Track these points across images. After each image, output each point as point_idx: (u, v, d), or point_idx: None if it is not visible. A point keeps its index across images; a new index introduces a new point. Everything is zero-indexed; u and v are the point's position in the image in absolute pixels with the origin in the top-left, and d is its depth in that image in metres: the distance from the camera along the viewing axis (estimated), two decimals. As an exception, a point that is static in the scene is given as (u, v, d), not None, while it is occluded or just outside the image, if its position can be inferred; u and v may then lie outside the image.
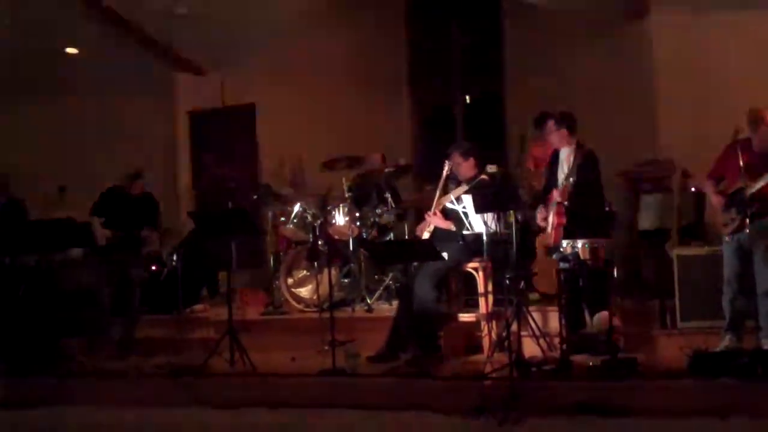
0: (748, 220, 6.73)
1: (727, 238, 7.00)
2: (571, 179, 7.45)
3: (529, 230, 8.62)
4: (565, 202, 7.53)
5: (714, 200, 7.16)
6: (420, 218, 8.62)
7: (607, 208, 8.40)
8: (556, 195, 7.64)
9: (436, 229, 8.01)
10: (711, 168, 7.29)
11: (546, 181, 8.06)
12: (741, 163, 6.81)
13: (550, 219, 7.70)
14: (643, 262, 8.86)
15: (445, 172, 8.07)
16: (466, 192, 7.79)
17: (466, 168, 8.01)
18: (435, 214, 7.96)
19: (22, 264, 9.13)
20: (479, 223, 7.71)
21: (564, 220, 7.58)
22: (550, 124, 7.90)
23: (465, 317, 8.03)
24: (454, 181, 8.20)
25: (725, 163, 7.11)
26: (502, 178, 8.64)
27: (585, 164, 7.56)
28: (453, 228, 7.82)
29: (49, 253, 8.91)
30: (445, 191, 8.16)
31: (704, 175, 7.38)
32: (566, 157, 7.79)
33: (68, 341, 8.76)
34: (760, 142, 6.85)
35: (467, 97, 12.50)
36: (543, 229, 7.93)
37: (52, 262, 9.03)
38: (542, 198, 7.98)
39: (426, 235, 7.99)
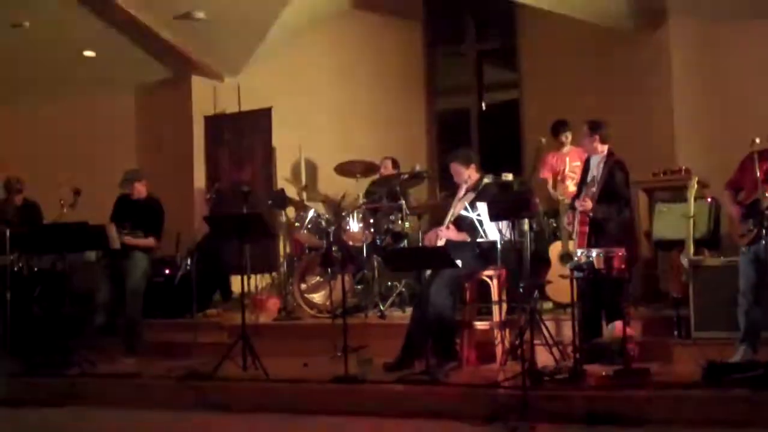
0: (764, 231, 6.69)
1: (743, 249, 6.96)
2: (593, 189, 7.41)
3: (543, 238, 8.59)
4: (581, 208, 7.51)
5: (731, 211, 7.12)
6: (434, 224, 8.56)
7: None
8: (579, 201, 7.61)
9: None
10: (729, 179, 7.26)
11: (578, 187, 8.03)
12: (758, 174, 6.78)
13: (575, 226, 7.68)
14: (658, 271, 8.81)
15: (463, 197, 7.96)
16: (475, 198, 7.75)
17: (470, 174, 7.96)
18: (448, 228, 7.92)
19: (38, 266, 9.19)
20: (494, 231, 7.68)
21: (586, 228, 7.56)
22: (584, 130, 7.87)
23: (479, 325, 8.01)
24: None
25: (743, 173, 7.07)
26: (518, 186, 8.64)
27: (611, 174, 7.53)
28: (467, 239, 7.78)
29: (64, 256, 8.94)
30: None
31: (721, 185, 7.35)
32: (596, 164, 7.78)
33: (80, 342, 8.77)
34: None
35: (483, 104, 12.51)
36: (570, 235, 7.92)
37: (67, 265, 9.05)
38: (572, 203, 7.96)
39: (440, 242, 7.97)
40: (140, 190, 9.11)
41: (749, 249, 6.90)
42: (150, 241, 8.92)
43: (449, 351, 7.62)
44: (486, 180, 8.01)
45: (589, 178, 7.79)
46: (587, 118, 7.99)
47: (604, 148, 7.80)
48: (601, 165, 7.71)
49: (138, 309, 8.93)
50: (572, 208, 7.88)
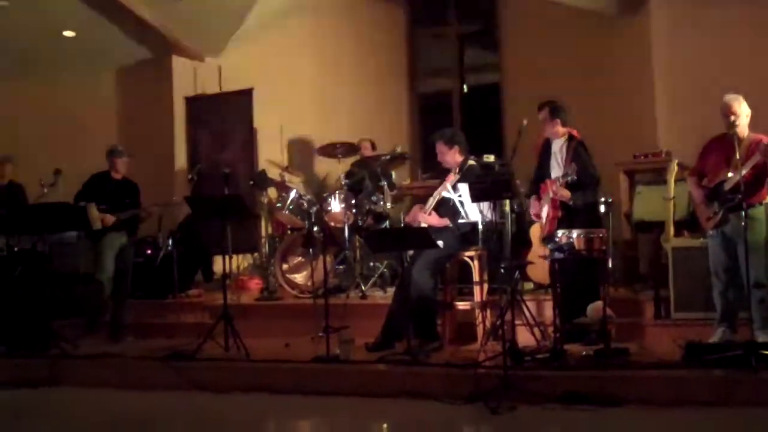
0: (730, 213, 6.76)
1: (711, 232, 7.02)
2: (570, 177, 7.42)
3: (525, 219, 8.62)
4: (565, 200, 7.52)
5: (695, 196, 7.18)
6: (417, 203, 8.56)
7: (604, 199, 8.42)
8: (551, 188, 7.62)
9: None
10: (693, 166, 7.33)
11: (537, 171, 8.04)
12: (721, 157, 6.87)
13: (545, 211, 7.70)
14: (638, 253, 8.87)
15: (448, 183, 7.97)
16: (458, 181, 7.77)
17: (452, 155, 7.97)
18: (430, 214, 7.94)
19: (19, 245, 9.15)
20: (475, 212, 7.70)
21: (559, 213, 7.59)
22: (544, 113, 7.87)
23: (460, 305, 8.04)
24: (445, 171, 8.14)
25: (705, 159, 7.15)
26: (499, 168, 8.64)
27: (577, 158, 7.54)
28: (449, 224, 7.81)
29: (45, 236, 8.91)
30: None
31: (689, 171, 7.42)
32: (559, 148, 7.79)
33: (61, 323, 8.76)
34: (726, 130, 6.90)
35: (465, 87, 12.51)
36: (537, 219, 7.94)
37: (48, 245, 9.02)
38: (534, 188, 7.97)
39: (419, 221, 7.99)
40: (122, 167, 9.08)
41: (716, 231, 6.96)
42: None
43: (431, 331, 7.66)
44: (470, 162, 8.01)
45: (552, 163, 7.81)
46: (542, 101, 7.99)
47: (564, 131, 7.82)
48: (564, 148, 7.73)
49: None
50: (534, 193, 7.90)
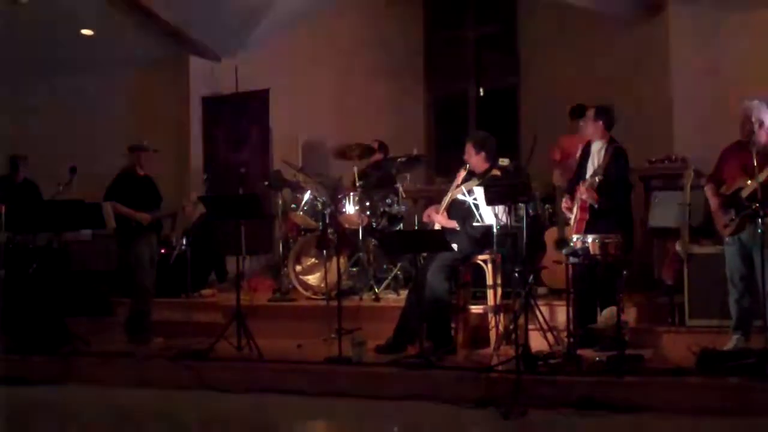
0: (748, 220, 6.72)
1: (728, 239, 6.98)
2: (597, 177, 7.38)
3: (539, 224, 8.59)
4: (589, 200, 7.47)
5: (713, 203, 7.13)
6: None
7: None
8: (582, 189, 7.57)
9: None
10: (710, 172, 7.28)
11: (576, 172, 8.01)
12: (738, 164, 6.83)
13: (575, 212, 7.66)
14: (653, 259, 8.83)
15: (460, 178, 7.97)
16: (477, 185, 7.76)
17: (477, 161, 7.93)
18: (442, 214, 7.92)
19: (34, 243, 9.17)
20: (489, 216, 7.67)
21: (587, 216, 7.54)
22: (590, 113, 7.83)
23: (473, 309, 8.03)
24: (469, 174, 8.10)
25: (723, 165, 7.11)
26: (514, 171, 8.62)
27: (613, 162, 7.49)
28: (457, 227, 7.78)
29: (60, 234, 8.92)
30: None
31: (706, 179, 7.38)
32: (597, 151, 7.74)
33: (75, 321, 8.77)
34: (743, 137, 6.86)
35: (481, 90, 12.48)
36: (567, 220, 7.91)
37: (63, 243, 9.04)
38: (569, 188, 7.93)
39: (437, 226, 7.98)
40: (146, 163, 8.95)
41: (733, 239, 6.92)
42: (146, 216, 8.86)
43: (445, 335, 7.64)
44: (494, 171, 7.96)
45: (589, 165, 7.77)
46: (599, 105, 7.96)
47: (606, 135, 7.78)
48: (602, 152, 7.68)
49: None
50: (569, 192, 7.87)
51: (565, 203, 7.84)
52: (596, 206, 7.47)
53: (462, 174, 7.86)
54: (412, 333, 7.53)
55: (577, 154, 8.11)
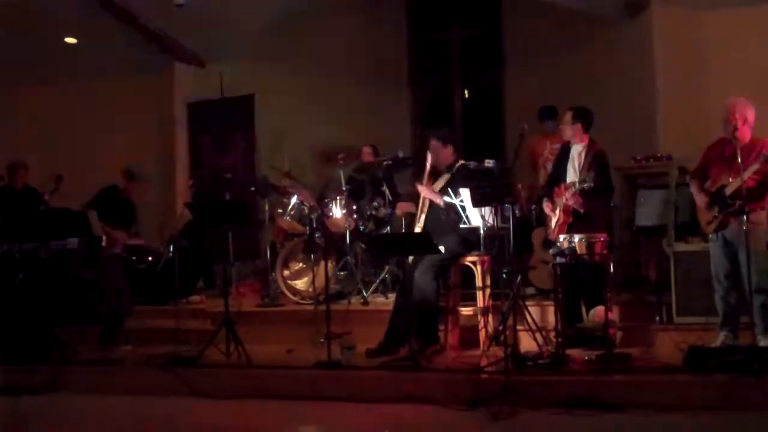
0: (731, 218, 6.75)
1: (712, 236, 7.01)
2: (586, 185, 7.28)
3: (526, 224, 8.60)
4: (575, 206, 7.47)
5: (697, 200, 7.15)
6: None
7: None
8: (565, 194, 7.56)
9: (431, 222, 7.96)
10: (694, 168, 7.31)
11: (552, 174, 8.02)
12: (722, 161, 6.87)
13: (557, 214, 7.66)
14: (640, 257, 8.85)
15: (428, 163, 8.06)
16: (450, 180, 7.78)
17: (445, 155, 7.99)
18: (425, 185, 7.95)
19: (22, 252, 9.13)
20: (476, 217, 7.69)
21: (570, 219, 7.55)
22: (567, 116, 7.83)
23: (462, 311, 8.04)
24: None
25: (707, 161, 7.14)
26: (500, 173, 8.63)
27: (598, 168, 7.47)
28: (439, 201, 7.78)
29: (47, 242, 8.88)
30: (435, 178, 8.14)
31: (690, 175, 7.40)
32: (578, 154, 7.74)
33: (63, 330, 8.74)
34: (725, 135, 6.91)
35: (466, 92, 12.50)
36: (547, 221, 7.92)
37: (50, 251, 9.00)
38: (548, 191, 7.94)
39: (419, 226, 8.00)
40: (137, 193, 9.02)
41: (717, 235, 6.95)
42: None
43: (432, 334, 7.67)
44: (461, 162, 8.00)
45: (569, 168, 7.78)
46: (571, 105, 7.98)
47: (585, 138, 7.78)
48: (583, 154, 7.69)
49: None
50: (548, 196, 7.87)
51: (546, 205, 7.85)
52: (581, 211, 7.48)
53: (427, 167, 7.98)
54: (402, 335, 7.54)
55: (546, 153, 8.11)
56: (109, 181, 9.00)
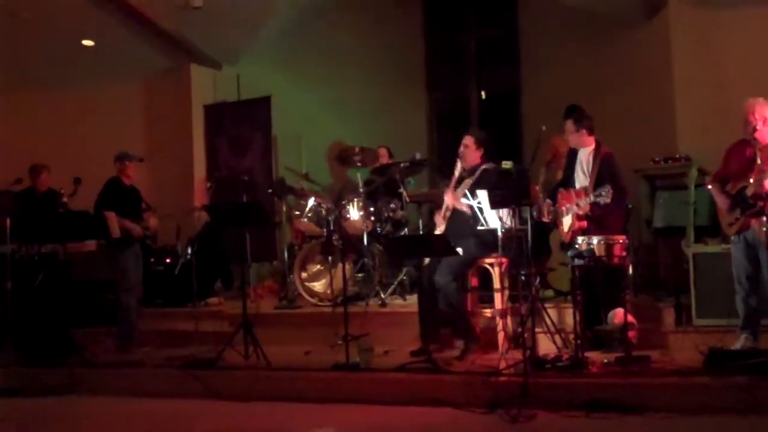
0: (752, 220, 6.71)
1: (733, 238, 6.96)
2: (600, 199, 7.07)
3: (545, 226, 8.58)
4: (589, 213, 7.43)
5: (719, 202, 7.11)
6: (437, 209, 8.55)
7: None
8: (577, 201, 7.49)
9: (450, 225, 7.96)
10: (715, 171, 7.27)
11: (562, 179, 7.99)
12: (742, 162, 6.82)
13: (567, 221, 7.61)
14: (659, 259, 8.82)
15: (457, 170, 8.03)
16: (474, 184, 7.76)
17: (474, 156, 7.97)
18: (452, 194, 7.93)
19: (41, 254, 9.19)
20: (494, 219, 7.67)
21: (585, 224, 7.49)
22: (569, 125, 7.79)
23: (480, 313, 8.04)
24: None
25: (727, 164, 7.09)
26: (517, 175, 8.61)
27: (609, 175, 7.43)
28: (466, 209, 7.76)
29: (65, 244, 8.93)
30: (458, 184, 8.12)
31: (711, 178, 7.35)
32: (586, 158, 7.70)
33: (81, 331, 8.78)
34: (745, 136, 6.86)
35: (483, 93, 12.47)
36: (559, 222, 7.88)
37: (68, 254, 9.05)
38: (552, 193, 7.90)
39: (441, 228, 7.98)
40: (133, 172, 9.07)
41: (739, 237, 6.90)
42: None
43: (470, 332, 7.69)
44: (485, 166, 7.98)
45: (578, 172, 7.74)
46: (566, 110, 7.94)
47: (591, 140, 7.75)
48: (591, 158, 7.65)
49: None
50: (551, 197, 7.84)
51: (546, 206, 7.81)
52: (589, 214, 7.44)
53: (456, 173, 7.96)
54: (433, 333, 7.67)
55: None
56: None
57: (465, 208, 7.78)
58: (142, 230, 8.88)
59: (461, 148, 8.06)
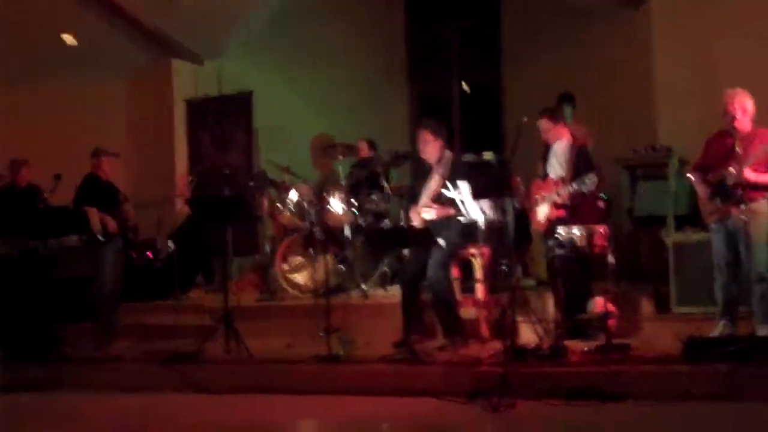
0: (732, 208, 6.74)
1: (714, 226, 7.00)
2: (585, 188, 7.21)
3: (526, 216, 8.59)
4: (567, 202, 7.46)
5: (699, 190, 7.14)
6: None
7: (604, 195, 8.38)
8: (557, 190, 7.53)
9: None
10: (695, 161, 7.30)
11: (542, 169, 8.01)
12: (722, 152, 6.85)
13: (544, 209, 7.63)
14: (639, 248, 8.84)
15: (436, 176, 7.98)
16: (450, 174, 7.70)
17: (434, 149, 7.82)
18: (430, 207, 7.85)
19: (22, 249, 9.15)
20: (476, 210, 7.66)
21: (562, 213, 7.52)
22: (543, 123, 7.82)
23: (462, 303, 8.05)
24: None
25: (707, 154, 7.13)
26: (498, 165, 8.63)
27: (581, 162, 7.48)
28: (451, 212, 7.74)
29: (47, 240, 8.90)
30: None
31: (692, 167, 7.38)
32: (561, 148, 7.75)
33: (62, 327, 8.75)
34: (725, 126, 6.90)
35: (465, 86, 12.45)
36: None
37: (49, 249, 9.02)
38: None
39: (423, 218, 7.93)
40: (108, 168, 8.99)
41: (719, 225, 6.94)
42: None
43: (458, 327, 7.65)
44: (447, 152, 7.89)
45: (553, 162, 7.76)
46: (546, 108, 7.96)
47: (565, 132, 7.80)
48: (566, 148, 7.70)
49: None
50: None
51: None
52: (567, 203, 7.47)
53: (439, 168, 7.83)
54: (414, 325, 7.64)
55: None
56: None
57: (448, 212, 7.71)
58: (117, 226, 8.79)
59: (420, 145, 7.93)
